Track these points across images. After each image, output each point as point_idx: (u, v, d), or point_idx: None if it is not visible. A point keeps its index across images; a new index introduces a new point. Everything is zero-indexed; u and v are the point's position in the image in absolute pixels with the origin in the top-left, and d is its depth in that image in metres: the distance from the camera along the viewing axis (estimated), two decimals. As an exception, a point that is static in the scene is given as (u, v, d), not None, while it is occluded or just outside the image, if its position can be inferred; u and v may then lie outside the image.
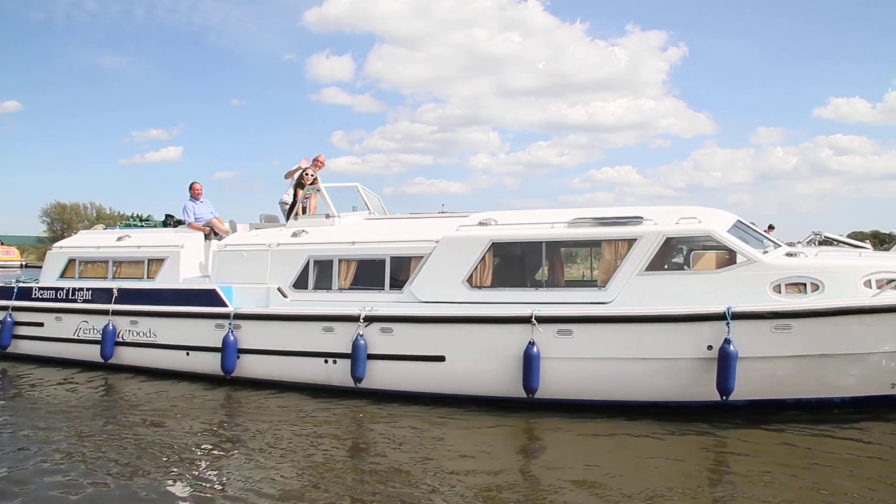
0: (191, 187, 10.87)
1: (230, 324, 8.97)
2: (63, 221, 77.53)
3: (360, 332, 8.24)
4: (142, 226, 11.40)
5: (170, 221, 11.33)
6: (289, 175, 10.49)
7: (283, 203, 10.59)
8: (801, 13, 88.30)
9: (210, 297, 9.29)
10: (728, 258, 7.82)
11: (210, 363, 9.22)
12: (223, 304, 9.17)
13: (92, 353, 10.17)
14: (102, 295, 10.18)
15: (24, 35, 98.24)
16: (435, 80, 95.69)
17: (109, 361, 9.95)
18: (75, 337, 10.39)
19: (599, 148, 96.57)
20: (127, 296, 10.00)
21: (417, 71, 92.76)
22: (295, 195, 10.28)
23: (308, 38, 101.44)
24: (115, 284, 10.16)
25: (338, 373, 8.52)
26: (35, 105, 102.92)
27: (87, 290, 10.40)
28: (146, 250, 10.36)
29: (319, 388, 8.66)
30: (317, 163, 10.59)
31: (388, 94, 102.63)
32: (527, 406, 7.81)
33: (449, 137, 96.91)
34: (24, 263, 58.56)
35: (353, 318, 8.32)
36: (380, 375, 8.29)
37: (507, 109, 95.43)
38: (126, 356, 9.98)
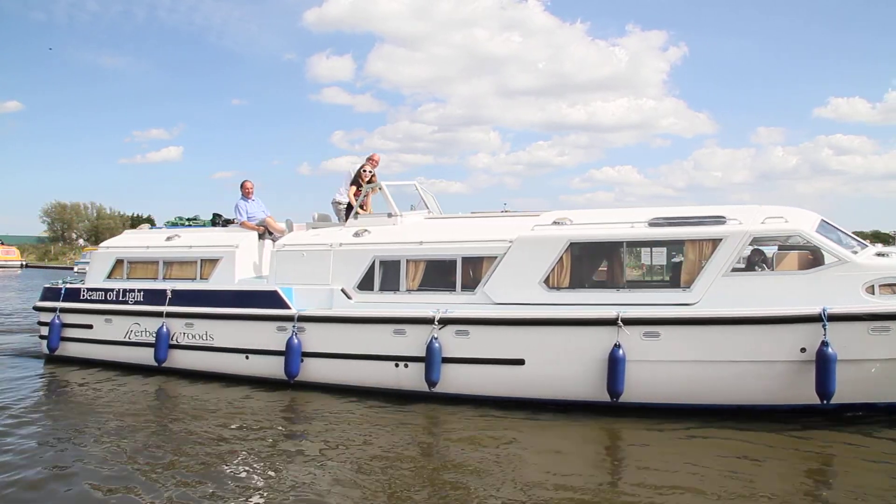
0: (242, 186, 10.59)
1: (294, 326, 8.71)
2: (63, 221, 76.92)
3: (435, 335, 7.99)
4: (189, 225, 11.07)
5: (218, 221, 11.01)
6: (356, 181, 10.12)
7: (336, 203, 10.31)
8: (801, 13, 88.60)
9: (271, 298, 9.03)
10: (812, 258, 7.63)
11: (271, 367, 8.95)
12: (285, 306, 8.90)
13: (144, 355, 9.91)
14: (155, 296, 9.90)
15: (25, 35, 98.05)
16: (435, 80, 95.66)
17: (163, 365, 9.68)
18: (126, 339, 10.12)
19: (600, 148, 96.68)
20: (181, 297, 9.72)
21: (418, 71, 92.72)
22: (354, 194, 10.03)
23: (308, 39, 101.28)
24: (168, 285, 9.89)
25: (409, 377, 8.28)
26: (36, 105, 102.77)
27: (139, 291, 10.11)
28: (199, 250, 10.08)
29: (388, 392, 8.42)
30: (372, 161, 10.33)
31: (388, 94, 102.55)
32: (608, 410, 7.59)
33: (449, 137, 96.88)
34: (24, 263, 58.07)
35: (426, 321, 8.08)
36: (455, 379, 8.05)
37: (508, 109, 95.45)
38: (180, 359, 9.70)
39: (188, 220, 11.24)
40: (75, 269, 52.40)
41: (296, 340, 8.66)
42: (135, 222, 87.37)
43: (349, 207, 9.95)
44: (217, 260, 9.86)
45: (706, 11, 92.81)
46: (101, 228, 76.33)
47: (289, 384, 8.81)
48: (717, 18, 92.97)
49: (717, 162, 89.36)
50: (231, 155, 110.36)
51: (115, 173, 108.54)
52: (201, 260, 9.99)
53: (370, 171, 10.02)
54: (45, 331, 10.95)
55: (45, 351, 10.85)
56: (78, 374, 10.04)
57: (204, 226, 11.05)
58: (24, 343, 13.32)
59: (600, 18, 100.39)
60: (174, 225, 11.18)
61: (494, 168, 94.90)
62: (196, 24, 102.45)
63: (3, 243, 60.03)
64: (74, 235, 76.38)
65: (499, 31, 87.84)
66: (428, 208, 10.09)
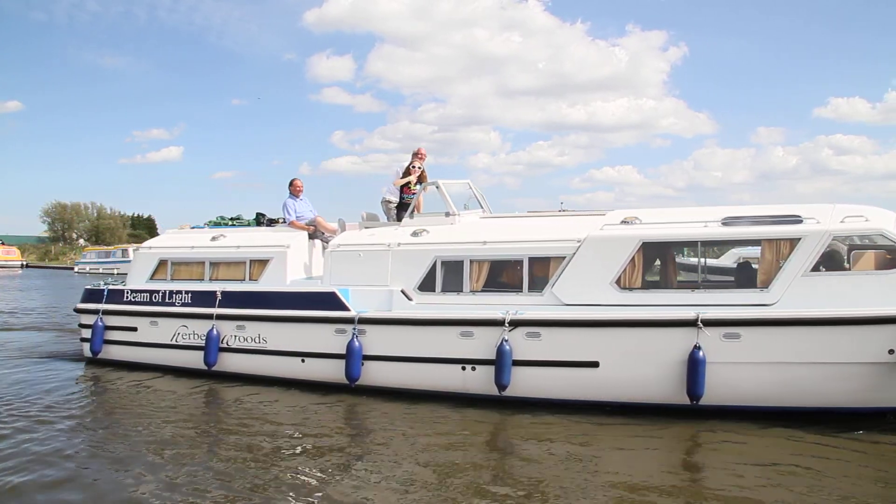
0: (291, 184, 10.33)
1: (355, 329, 8.48)
2: (64, 221, 76.46)
3: (506, 338, 7.79)
4: (232, 225, 10.80)
5: (263, 220, 10.75)
6: (405, 177, 9.88)
7: (386, 202, 10.08)
8: (801, 13, 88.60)
9: (329, 300, 8.79)
10: (890, 258, 7.45)
11: (329, 370, 8.73)
12: (344, 308, 8.67)
13: (192, 359, 9.66)
14: (204, 298, 9.64)
15: (26, 35, 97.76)
16: (435, 81, 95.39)
17: (213, 369, 9.44)
18: (173, 342, 9.86)
19: (600, 148, 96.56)
20: (232, 299, 9.46)
21: (418, 71, 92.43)
22: (402, 192, 9.81)
23: (308, 39, 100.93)
24: (217, 287, 9.63)
25: (476, 380, 8.07)
26: (36, 105, 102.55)
27: (186, 292, 9.85)
28: (247, 251, 9.82)
29: (453, 396, 8.21)
30: (419, 156, 10.10)
31: (388, 94, 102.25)
32: (683, 413, 7.41)
33: (449, 137, 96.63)
34: (24, 263, 57.61)
35: (496, 323, 7.87)
36: (526, 383, 7.84)
37: (508, 109, 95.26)
38: (231, 363, 9.45)
39: (231, 219, 10.97)
40: (75, 269, 52.19)
41: (357, 343, 8.42)
42: (135, 222, 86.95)
43: (400, 206, 9.72)
44: (267, 260, 9.60)
45: (706, 12, 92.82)
46: (101, 228, 75.91)
47: (348, 388, 8.57)
48: (718, 19, 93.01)
49: (718, 162, 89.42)
50: (231, 155, 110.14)
51: (115, 173, 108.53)
52: (250, 260, 9.74)
53: (419, 167, 9.79)
54: (86, 333, 10.69)
55: (88, 354, 10.58)
56: (123, 377, 9.78)
57: (248, 225, 10.78)
58: (54, 342, 13.08)
59: (600, 18, 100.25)
60: (216, 225, 10.91)
61: (494, 168, 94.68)
62: (196, 25, 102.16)
63: (3, 243, 59.62)
64: (75, 235, 75.88)
65: (499, 31, 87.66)
66: (482, 207, 9.87)
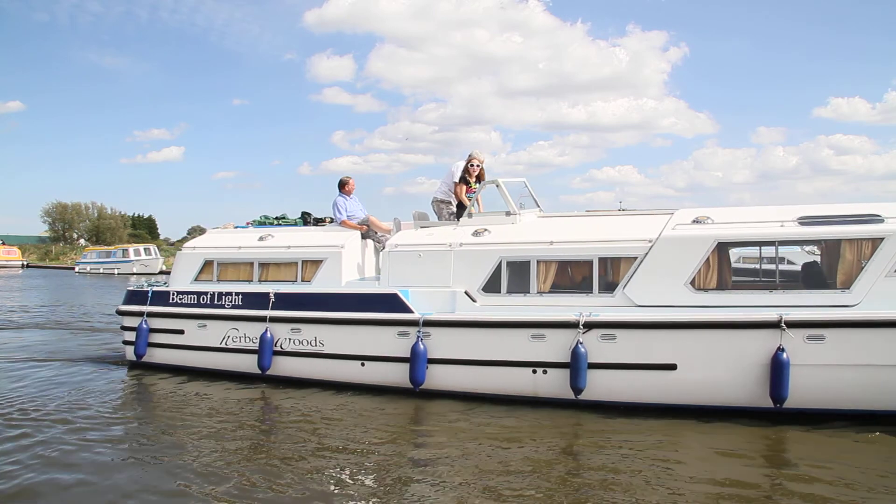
0: (342, 183, 10.07)
1: (419, 331, 8.26)
2: (64, 221, 76.02)
3: (580, 340, 7.59)
4: (278, 224, 10.56)
5: (309, 219, 10.50)
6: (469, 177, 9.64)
7: (439, 201, 9.82)
8: (801, 13, 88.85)
9: (390, 302, 8.56)
10: None
11: (391, 374, 8.51)
12: (406, 310, 8.45)
13: (243, 362, 9.42)
14: (256, 299, 9.38)
15: (28, 36, 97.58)
16: (436, 81, 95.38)
17: (267, 373, 9.20)
18: (223, 345, 9.60)
19: (600, 147, 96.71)
20: (286, 301, 9.21)
21: (418, 71, 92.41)
22: (456, 191, 9.59)
23: (309, 39, 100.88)
24: (269, 288, 9.37)
25: (548, 384, 7.87)
26: (38, 105, 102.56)
27: (237, 294, 9.59)
28: (299, 251, 9.57)
29: (522, 399, 8.01)
30: (475, 157, 9.86)
31: (388, 94, 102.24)
32: (767, 416, 7.24)
33: (450, 137, 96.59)
34: (25, 263, 57.14)
35: (570, 325, 7.67)
36: (601, 386, 7.64)
37: (508, 109, 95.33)
38: (285, 366, 9.20)
39: (276, 218, 10.72)
40: (76, 269, 51.74)
41: (422, 346, 8.20)
42: (136, 222, 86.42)
43: (460, 206, 9.50)
44: (320, 261, 9.36)
45: (707, 12, 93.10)
46: (101, 228, 75.43)
47: (411, 392, 8.36)
48: (718, 19, 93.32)
49: (718, 162, 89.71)
50: (232, 155, 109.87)
51: (116, 173, 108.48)
52: (302, 261, 9.49)
53: (479, 166, 9.58)
54: (129, 336, 10.41)
55: (131, 357, 10.29)
56: (170, 381, 9.52)
57: (295, 224, 10.54)
58: (88, 344, 12.81)
59: (601, 19, 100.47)
60: (261, 224, 10.66)
61: (495, 168, 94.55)
62: (198, 25, 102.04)
63: (4, 243, 59.24)
64: (75, 235, 75.37)
65: (499, 32, 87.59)
66: (539, 207, 9.66)
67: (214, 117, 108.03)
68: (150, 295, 10.24)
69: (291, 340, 9.13)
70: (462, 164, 9.73)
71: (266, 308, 9.24)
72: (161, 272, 46.44)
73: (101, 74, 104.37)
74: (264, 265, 9.80)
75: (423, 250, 8.77)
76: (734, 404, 7.37)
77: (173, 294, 10.11)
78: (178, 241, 77.08)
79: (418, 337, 8.25)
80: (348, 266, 9.35)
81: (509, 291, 8.34)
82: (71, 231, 75.85)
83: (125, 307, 10.51)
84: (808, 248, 8.89)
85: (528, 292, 8.26)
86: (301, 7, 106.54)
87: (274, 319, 9.18)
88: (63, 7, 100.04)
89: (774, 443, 6.79)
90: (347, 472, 5.93)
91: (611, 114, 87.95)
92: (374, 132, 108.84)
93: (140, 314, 10.19)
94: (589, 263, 8.11)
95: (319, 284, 9.29)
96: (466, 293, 8.42)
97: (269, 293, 9.27)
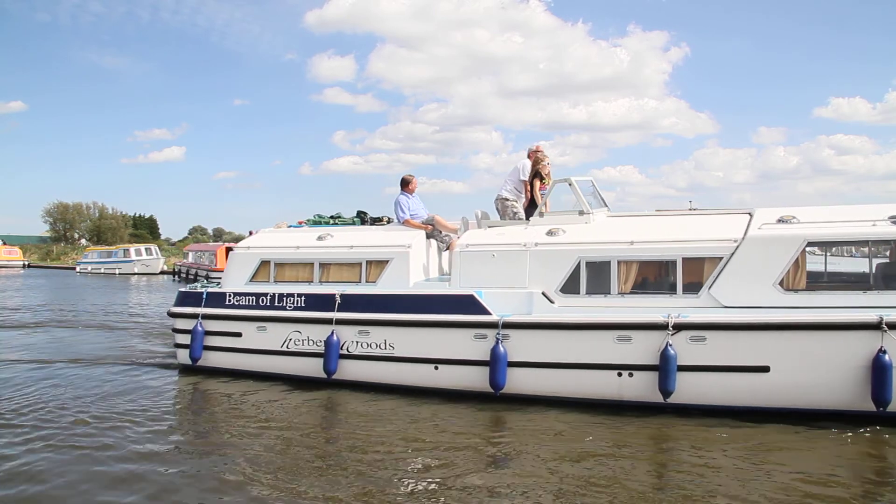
0: (405, 181, 9.81)
1: (499, 334, 8.04)
2: (65, 221, 75.44)
3: (669, 342, 7.39)
4: (335, 223, 10.32)
5: (366, 219, 10.26)
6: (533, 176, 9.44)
7: (504, 199, 9.60)
8: (802, 13, 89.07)
9: (466, 303, 8.33)
10: None
11: (468, 378, 8.28)
12: (483, 312, 8.22)
13: (306, 366, 9.17)
14: (321, 301, 9.12)
15: (29, 36, 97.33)
16: (436, 81, 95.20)
17: (333, 377, 8.95)
18: (284, 349, 9.34)
19: (601, 147, 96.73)
20: (353, 302, 8.95)
21: (419, 71, 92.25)
22: (527, 187, 9.38)
23: (310, 39, 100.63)
24: (335, 289, 9.11)
25: (634, 387, 7.67)
26: (39, 105, 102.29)
27: (299, 295, 9.33)
28: (363, 251, 9.32)
29: (606, 403, 7.81)
30: (539, 153, 9.66)
31: (389, 95, 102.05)
32: (866, 419, 7.05)
33: (451, 137, 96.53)
34: (26, 263, 56.59)
35: (657, 326, 7.47)
36: (691, 388, 7.45)
37: (509, 109, 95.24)
38: (352, 370, 8.95)
39: (330, 217, 10.48)
40: (77, 269, 51.20)
41: (502, 349, 7.97)
42: (137, 222, 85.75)
43: (531, 204, 9.29)
44: (386, 262, 9.12)
45: (707, 12, 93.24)
46: (103, 228, 74.84)
47: (489, 396, 8.12)
48: (719, 19, 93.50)
49: (719, 162, 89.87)
50: (233, 155, 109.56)
51: (117, 173, 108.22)
52: (366, 261, 9.25)
53: (548, 163, 9.36)
54: (180, 338, 10.14)
55: (185, 361, 10.02)
56: (228, 386, 9.24)
57: (353, 223, 10.29)
58: (134, 347, 12.53)
59: (602, 19, 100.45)
60: (316, 223, 10.42)
61: (496, 168, 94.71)
62: (199, 26, 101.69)
63: (5, 243, 58.69)
64: (76, 235, 74.74)
65: (500, 32, 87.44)
66: (606, 206, 9.46)
67: (215, 117, 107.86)
68: (204, 296, 9.96)
69: (359, 343, 8.89)
70: (528, 162, 9.52)
71: (332, 310, 8.99)
72: (162, 272, 46.13)
73: (102, 74, 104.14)
74: (325, 265, 9.54)
75: (497, 250, 8.55)
76: (831, 407, 7.19)
77: (230, 295, 9.82)
78: (179, 241, 76.66)
79: (497, 339, 8.02)
80: (415, 266, 9.11)
81: (589, 292, 8.13)
82: (72, 231, 75.17)
83: (178, 309, 10.23)
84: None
85: (609, 293, 8.06)
86: (302, 7, 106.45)
87: (340, 322, 8.93)
88: (64, 7, 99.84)
89: (875, 445, 6.61)
90: (423, 483, 5.70)
91: (611, 114, 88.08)
92: (375, 132, 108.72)
93: (194, 316, 9.91)
94: (672, 264, 7.91)
95: (385, 285, 9.05)
96: (544, 294, 8.21)
97: (334, 294, 9.02)
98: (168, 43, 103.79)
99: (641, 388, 7.62)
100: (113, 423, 7.37)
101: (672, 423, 7.30)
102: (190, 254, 42.14)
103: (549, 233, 8.56)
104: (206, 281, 10.89)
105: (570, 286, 8.19)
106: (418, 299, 8.67)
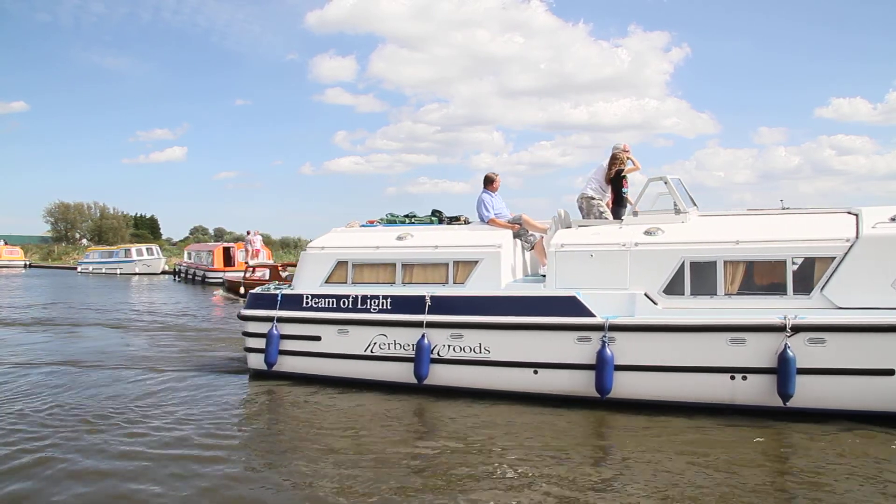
0: (489, 179, 9.51)
1: (605, 337, 7.83)
2: (67, 221, 74.69)
3: (788, 344, 7.21)
4: (411, 223, 10.06)
5: (443, 218, 10.00)
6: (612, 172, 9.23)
7: (589, 198, 9.34)
8: (802, 13, 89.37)
9: (567, 305, 8.11)
10: None
11: (571, 382, 8.06)
12: (587, 314, 8.00)
13: (392, 371, 8.91)
14: (409, 303, 8.85)
15: (31, 36, 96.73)
16: (437, 81, 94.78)
17: (424, 383, 8.68)
18: (368, 353, 9.06)
19: (602, 147, 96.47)
20: (444, 305, 8.68)
21: (420, 71, 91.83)
22: (614, 188, 9.18)
23: (311, 40, 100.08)
24: (425, 291, 8.83)
25: (748, 390, 7.48)
26: (41, 105, 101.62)
27: (385, 297, 9.06)
28: (450, 251, 9.04)
29: (717, 407, 7.62)
30: (626, 151, 9.45)
31: (390, 95, 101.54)
32: None
33: (452, 137, 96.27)
34: (28, 263, 55.95)
35: (773, 328, 7.28)
36: (809, 392, 7.26)
37: (510, 109, 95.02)
38: (443, 375, 8.67)
39: (405, 216, 10.22)
40: (78, 269, 50.59)
41: (608, 352, 7.76)
42: (138, 222, 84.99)
43: (619, 203, 9.08)
44: (475, 262, 8.85)
45: (708, 12, 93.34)
46: (104, 228, 74.12)
47: (595, 401, 7.91)
48: (720, 19, 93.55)
49: (720, 162, 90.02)
50: (234, 155, 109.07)
51: (118, 173, 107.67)
52: (454, 262, 8.98)
53: (630, 163, 9.15)
54: (253, 342, 9.81)
55: (258, 366, 9.68)
56: (308, 392, 8.94)
57: (431, 222, 10.03)
58: (198, 351, 12.22)
59: (603, 19, 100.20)
60: (390, 223, 10.15)
61: (497, 168, 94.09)
62: (199, 26, 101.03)
63: (6, 243, 58.04)
64: (78, 235, 73.98)
65: (500, 32, 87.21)
66: (696, 205, 9.25)
67: (216, 117, 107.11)
68: (279, 298, 9.66)
69: (451, 347, 8.64)
70: (615, 160, 9.31)
71: (421, 312, 8.74)
72: (163, 272, 45.68)
73: (103, 75, 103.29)
74: (408, 266, 9.26)
75: (595, 250, 8.33)
76: (958, 410, 7.04)
77: (307, 297, 9.54)
78: (180, 241, 76.00)
79: (603, 342, 7.81)
80: (506, 267, 8.88)
81: (694, 293, 7.93)
82: (73, 231, 74.35)
83: (250, 311, 9.93)
84: None
85: (715, 294, 7.85)
86: (302, 8, 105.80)
87: (431, 325, 8.67)
88: (66, 8, 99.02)
89: None
90: (524, 495, 5.46)
91: (612, 114, 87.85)
92: (376, 132, 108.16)
93: (269, 319, 9.62)
94: (782, 264, 7.72)
95: (474, 287, 8.80)
96: (646, 295, 8.00)
97: (424, 296, 8.76)
98: (169, 43, 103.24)
99: (756, 391, 7.43)
100: (202, 432, 7.16)
101: (781, 427, 7.15)
102: (190, 253, 41.87)
103: (647, 232, 8.35)
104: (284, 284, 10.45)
105: (674, 287, 7.98)
106: (515, 301, 8.43)
